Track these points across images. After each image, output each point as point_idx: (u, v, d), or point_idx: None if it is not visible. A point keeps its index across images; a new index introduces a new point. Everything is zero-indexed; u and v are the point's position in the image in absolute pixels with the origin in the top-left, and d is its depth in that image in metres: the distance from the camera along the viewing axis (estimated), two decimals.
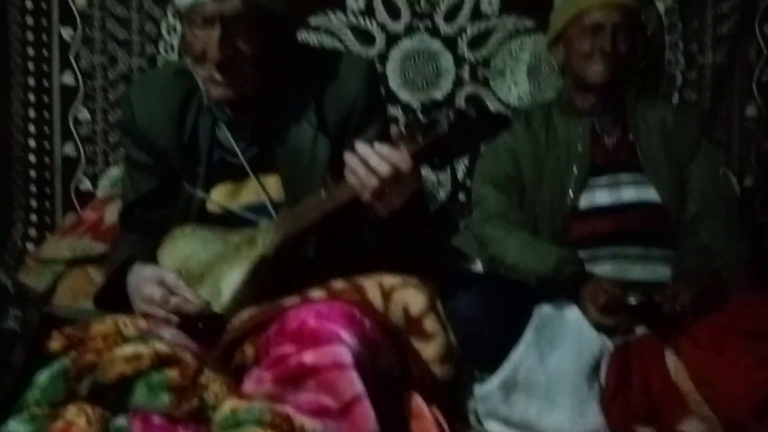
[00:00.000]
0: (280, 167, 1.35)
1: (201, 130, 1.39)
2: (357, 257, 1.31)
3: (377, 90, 1.43)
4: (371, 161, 1.12)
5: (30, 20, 2.03)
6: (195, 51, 1.29)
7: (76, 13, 2.02)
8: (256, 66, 1.29)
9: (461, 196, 2.05)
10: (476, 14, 1.99)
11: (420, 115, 1.15)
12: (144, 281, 1.26)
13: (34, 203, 2.10)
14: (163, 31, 2.03)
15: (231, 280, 1.25)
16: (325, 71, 1.37)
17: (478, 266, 1.84)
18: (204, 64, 1.28)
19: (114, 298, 1.33)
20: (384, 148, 1.13)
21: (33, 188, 2.10)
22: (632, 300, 1.40)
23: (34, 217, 2.11)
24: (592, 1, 1.75)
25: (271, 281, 1.27)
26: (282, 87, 1.35)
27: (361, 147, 1.14)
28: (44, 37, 2.04)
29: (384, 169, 1.11)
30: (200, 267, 1.29)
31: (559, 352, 1.33)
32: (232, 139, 1.37)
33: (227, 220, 1.36)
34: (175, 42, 2.02)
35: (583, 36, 1.74)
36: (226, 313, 1.24)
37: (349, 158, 1.15)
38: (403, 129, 1.17)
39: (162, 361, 1.08)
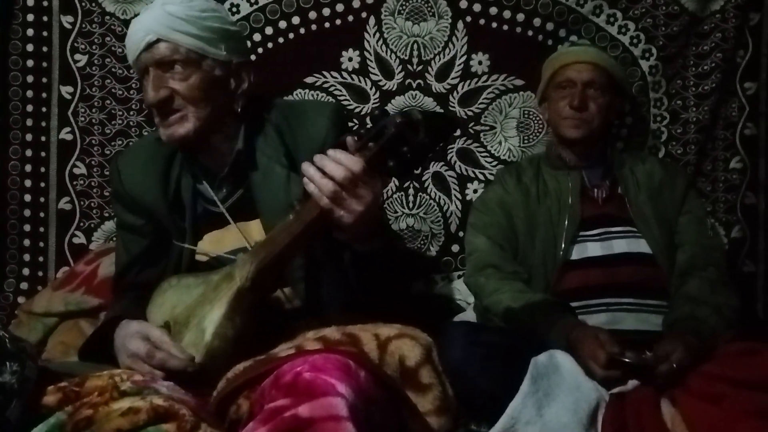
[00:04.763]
0: (260, 212, 1.42)
1: (183, 186, 1.46)
2: (350, 308, 1.32)
3: (345, 130, 1.47)
4: (326, 166, 1.17)
5: (30, 78, 2.08)
6: (144, 99, 1.41)
7: (76, 72, 2.07)
8: (196, 105, 1.37)
9: (454, 248, 2.08)
10: (467, 73, 2.05)
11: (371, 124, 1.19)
12: (130, 337, 1.28)
13: (27, 257, 2.11)
14: None
15: (213, 317, 1.27)
16: (294, 117, 1.45)
17: (469, 315, 1.85)
18: (152, 110, 1.40)
19: (99, 352, 1.35)
20: (337, 153, 1.17)
21: (27, 242, 2.11)
22: (629, 357, 1.40)
23: (26, 271, 2.11)
24: (565, 59, 1.86)
25: (252, 313, 1.29)
26: (252, 135, 1.43)
27: (317, 156, 1.19)
28: (44, 94, 2.08)
29: (339, 172, 1.15)
30: (186, 312, 1.31)
31: (556, 404, 1.32)
32: (211, 190, 1.44)
33: (215, 267, 1.40)
34: None
35: (558, 93, 1.83)
36: (211, 352, 1.24)
37: (306, 168, 1.19)
38: (355, 139, 1.19)
39: (159, 416, 1.07)
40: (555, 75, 1.85)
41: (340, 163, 1.16)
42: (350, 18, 2.05)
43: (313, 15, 2.04)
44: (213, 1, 1.47)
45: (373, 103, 2.06)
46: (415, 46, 2.05)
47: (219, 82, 1.40)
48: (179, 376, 1.23)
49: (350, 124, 2.00)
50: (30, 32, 2.07)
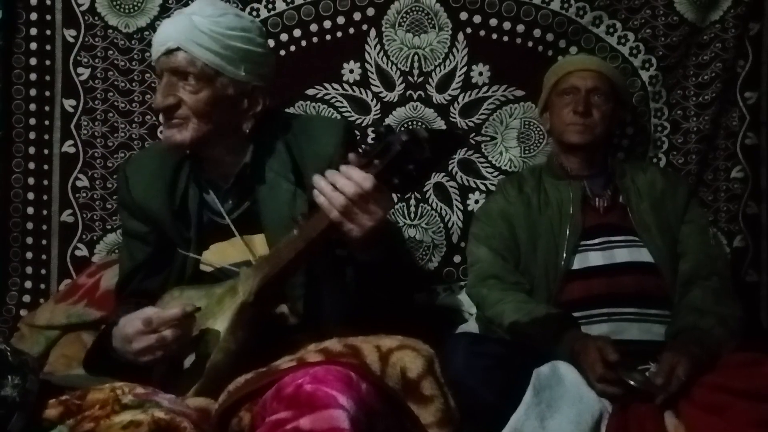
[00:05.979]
0: (265, 226, 1.41)
1: (190, 196, 1.46)
2: (351, 321, 1.32)
3: (354, 148, 1.47)
4: (337, 182, 1.17)
5: (33, 91, 2.09)
6: (153, 101, 1.42)
7: (78, 85, 2.08)
8: (200, 118, 1.37)
9: (456, 258, 2.07)
10: (467, 85, 2.06)
11: (374, 141, 1.19)
12: (125, 325, 1.28)
13: (29, 270, 2.11)
14: None
15: (216, 331, 1.27)
16: (303, 132, 1.45)
17: (472, 326, 1.84)
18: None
19: (103, 360, 1.35)
20: (349, 169, 1.18)
21: (29, 255, 2.11)
22: (635, 381, 1.39)
23: (29, 284, 2.11)
24: (569, 66, 1.87)
25: (256, 327, 1.29)
26: (260, 149, 1.43)
27: (328, 171, 1.20)
28: (47, 108, 2.09)
29: (349, 188, 1.16)
30: None
31: (559, 416, 1.31)
32: (217, 201, 1.44)
33: (219, 278, 1.40)
34: None
35: (562, 99, 1.84)
36: (214, 366, 1.24)
37: (317, 180, 1.20)
38: (360, 155, 1.20)
39: (160, 429, 1.07)
40: (558, 82, 1.86)
41: (350, 178, 1.17)
42: (351, 30, 2.05)
43: (314, 27, 2.05)
44: (246, 21, 1.45)
45: (374, 115, 2.07)
46: (416, 57, 2.06)
47: (230, 101, 1.40)
48: (185, 327, 1.24)
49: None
50: (33, 46, 2.08)
